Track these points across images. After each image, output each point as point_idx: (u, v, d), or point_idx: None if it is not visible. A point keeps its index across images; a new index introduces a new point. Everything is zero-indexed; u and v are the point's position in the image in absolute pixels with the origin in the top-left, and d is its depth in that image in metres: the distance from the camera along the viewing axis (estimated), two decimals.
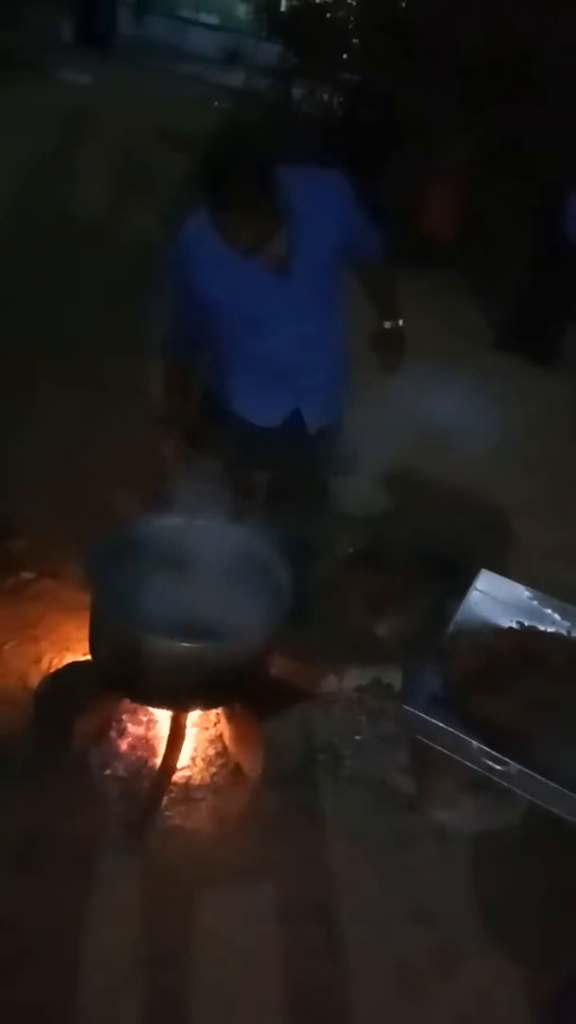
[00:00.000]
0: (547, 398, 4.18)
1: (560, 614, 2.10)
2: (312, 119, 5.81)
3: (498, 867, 1.80)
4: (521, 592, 2.13)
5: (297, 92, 6.23)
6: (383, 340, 2.03)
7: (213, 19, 11.74)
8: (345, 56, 5.82)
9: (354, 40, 5.86)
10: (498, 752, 1.67)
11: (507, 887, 1.79)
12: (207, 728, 2.02)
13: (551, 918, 1.73)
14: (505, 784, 1.68)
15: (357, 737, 2.06)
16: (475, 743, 1.68)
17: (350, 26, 5.77)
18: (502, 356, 4.57)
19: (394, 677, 2.18)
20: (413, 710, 1.78)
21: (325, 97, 5.94)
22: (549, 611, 2.11)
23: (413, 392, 3.78)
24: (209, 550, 1.79)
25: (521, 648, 2.02)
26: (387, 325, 2.03)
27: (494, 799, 1.83)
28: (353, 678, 2.18)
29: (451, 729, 1.72)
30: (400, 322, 2.04)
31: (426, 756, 1.88)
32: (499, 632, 2.08)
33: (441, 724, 1.72)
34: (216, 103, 7.15)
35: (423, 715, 1.75)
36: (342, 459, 2.37)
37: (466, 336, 4.76)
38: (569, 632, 2.07)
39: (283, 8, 6.51)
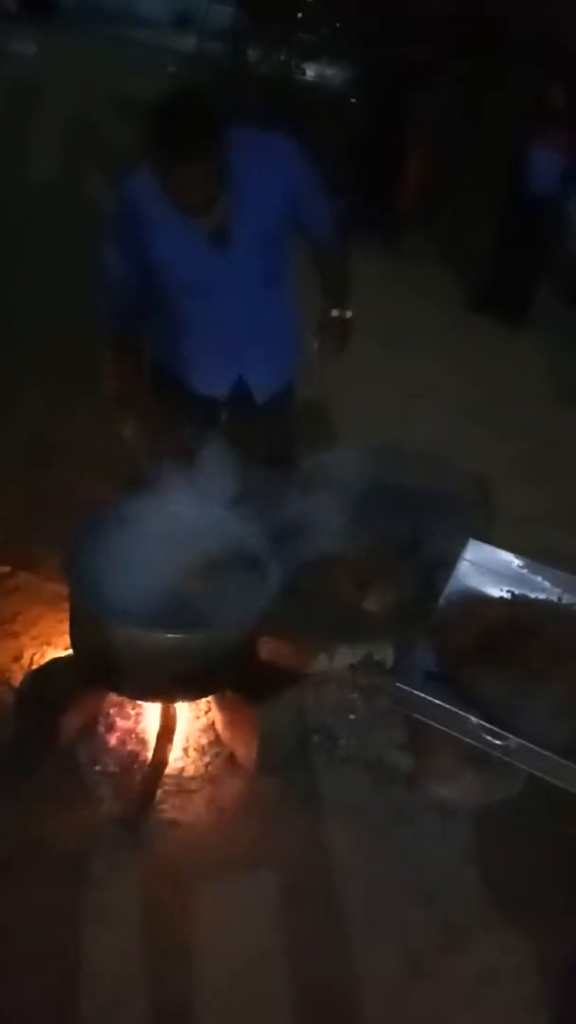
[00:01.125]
0: (518, 360, 4.15)
1: (551, 581, 2.07)
2: (269, 82, 5.64)
3: (501, 841, 1.78)
4: (510, 560, 2.10)
5: (252, 54, 6.04)
6: (327, 328, 1.99)
7: None
8: (300, 15, 5.64)
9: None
10: (495, 726, 1.64)
11: (511, 860, 1.77)
12: (198, 717, 1.97)
13: (557, 889, 1.72)
14: (504, 758, 1.66)
15: (351, 716, 2.03)
16: (473, 718, 1.66)
17: None
18: (474, 318, 4.52)
19: (386, 653, 2.14)
20: (407, 688, 1.74)
21: (281, 58, 5.77)
22: (539, 579, 2.08)
23: (387, 360, 3.75)
24: (188, 533, 1.72)
25: (513, 619, 1.99)
26: (334, 313, 1.98)
27: (494, 772, 1.80)
28: (344, 656, 2.14)
29: (447, 705, 1.69)
30: (348, 313, 1.99)
31: (423, 732, 1.85)
32: (490, 603, 2.05)
33: (436, 701, 1.69)
34: (170, 68, 6.93)
35: (417, 692, 1.71)
36: (304, 429, 2.31)
37: (437, 301, 4.70)
38: (560, 599, 2.05)
39: None
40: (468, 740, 1.69)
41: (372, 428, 3.16)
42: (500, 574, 2.09)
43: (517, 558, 2.10)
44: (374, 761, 1.93)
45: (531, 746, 1.60)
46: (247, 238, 1.74)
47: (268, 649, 1.97)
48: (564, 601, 2.04)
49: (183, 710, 1.91)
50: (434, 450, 3.11)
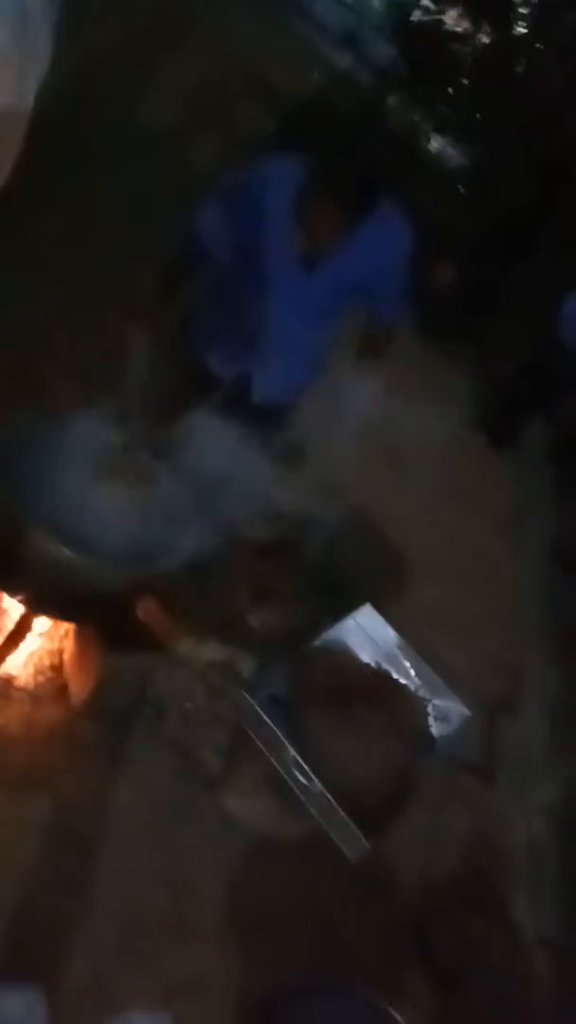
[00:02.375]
0: (484, 475, 4.33)
1: (416, 672, 2.18)
2: (395, 134, 5.82)
3: (263, 870, 1.86)
4: (392, 638, 2.21)
5: (391, 101, 6.23)
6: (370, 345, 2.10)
7: None
8: (451, 91, 5.87)
9: (463, 81, 5.92)
10: (308, 767, 1.73)
11: (264, 893, 1.84)
12: (52, 639, 1.99)
13: (287, 934, 1.80)
14: (301, 797, 1.74)
15: (188, 705, 2.08)
16: (292, 751, 1.73)
17: (465, 65, 5.82)
18: (465, 425, 4.71)
19: (246, 666, 2.20)
20: (251, 700, 1.82)
21: (415, 119, 5.97)
22: (408, 665, 2.19)
23: (378, 422, 3.88)
24: (134, 470, 1.77)
25: (370, 687, 2.09)
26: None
27: (285, 808, 1.88)
28: (209, 651, 2.19)
29: (276, 730, 1.76)
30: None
31: (241, 747, 1.92)
32: (357, 665, 2.14)
33: (270, 722, 1.77)
34: (315, 74, 7.06)
35: (258, 708, 1.79)
36: (283, 448, 2.40)
37: (444, 396, 4.88)
38: (416, 691, 2.16)
39: (413, 17, 6.50)
40: (279, 769, 1.76)
41: (334, 470, 3.26)
42: (378, 645, 2.19)
43: (399, 639, 2.21)
44: (188, 752, 1.98)
45: (328, 797, 1.68)
46: (327, 280, 1.84)
47: (145, 608, 2.01)
48: (419, 694, 2.15)
49: (41, 625, 1.93)
50: (382, 515, 3.23)
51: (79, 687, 1.89)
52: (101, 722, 1.90)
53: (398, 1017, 1.64)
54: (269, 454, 2.44)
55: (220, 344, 2.02)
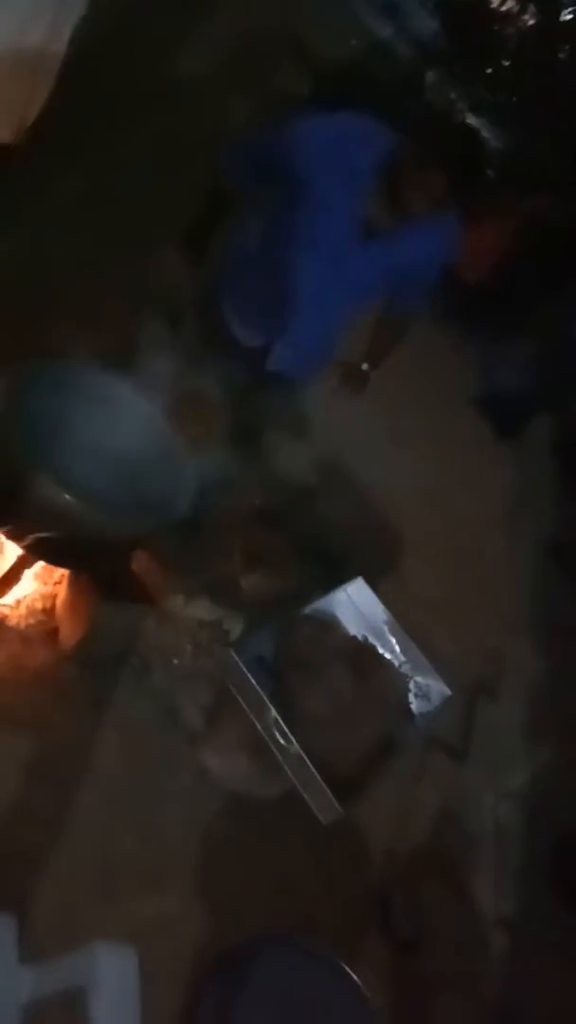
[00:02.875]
0: (488, 463, 4.34)
1: (401, 648, 2.21)
2: (431, 109, 5.73)
3: (236, 825, 1.90)
4: (380, 613, 2.23)
5: (430, 77, 6.12)
6: (348, 377, 2.10)
7: None
8: (490, 71, 5.77)
9: (504, 62, 5.83)
10: (288, 729, 1.76)
11: (235, 849, 1.89)
12: (46, 583, 2.01)
13: (253, 888, 1.85)
14: (280, 759, 1.77)
15: (176, 661, 2.11)
16: (274, 712, 1.76)
17: (508, 46, 5.72)
18: (471, 413, 4.71)
19: (235, 627, 2.23)
20: (237, 659, 1.84)
21: (452, 96, 5.87)
22: (393, 641, 2.21)
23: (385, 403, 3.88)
24: (138, 421, 1.78)
25: (355, 659, 2.12)
26: (363, 367, 2.11)
27: (263, 769, 1.91)
28: (199, 610, 2.22)
29: (260, 691, 1.79)
30: (370, 370, 2.11)
31: (225, 705, 1.95)
32: (344, 636, 2.17)
33: (254, 683, 1.80)
34: (353, 41, 6.93)
35: (243, 667, 1.81)
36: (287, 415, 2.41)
37: (452, 382, 4.86)
38: (399, 666, 2.19)
39: None
40: (260, 729, 1.79)
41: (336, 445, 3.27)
42: (366, 618, 2.22)
43: (386, 614, 2.23)
44: (172, 707, 2.02)
45: (306, 760, 1.71)
46: (379, 254, 1.76)
47: (140, 561, 2.03)
48: (401, 670, 2.18)
49: (36, 568, 1.95)
50: (380, 491, 3.24)
51: (69, 633, 1.92)
52: (88, 669, 1.92)
53: (353, 975, 1.69)
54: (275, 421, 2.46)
55: (247, 307, 1.95)
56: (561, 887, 2.49)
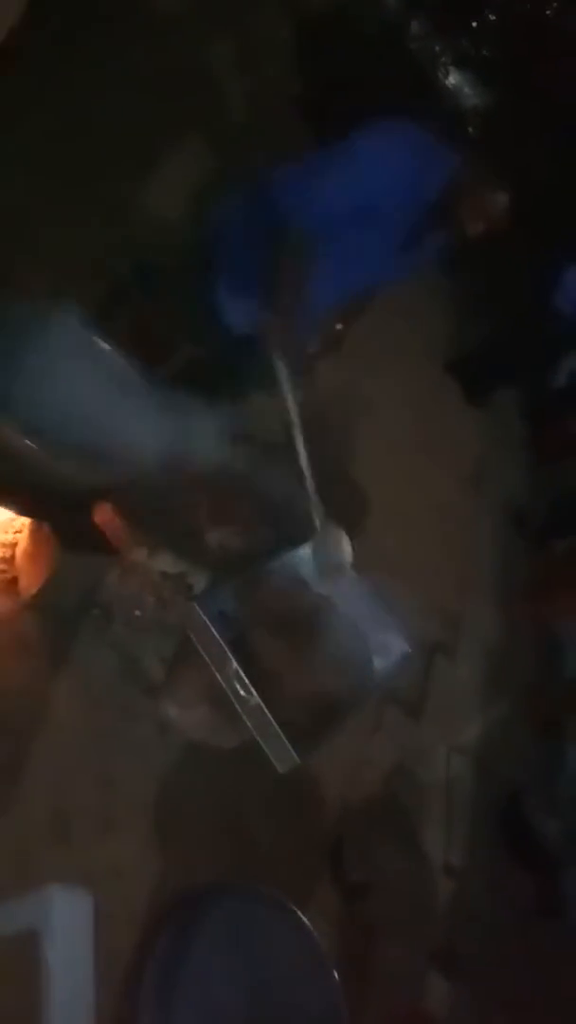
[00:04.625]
0: (459, 427, 4.36)
1: (363, 605, 2.22)
2: (413, 58, 5.58)
3: (193, 774, 1.93)
4: (343, 570, 2.24)
5: (414, 27, 5.96)
6: (323, 337, 2.10)
7: None
8: (475, 25, 5.63)
9: (491, 16, 5.69)
10: (249, 681, 1.77)
11: (191, 798, 1.91)
12: (7, 532, 1.98)
13: (208, 836, 1.88)
14: (240, 709, 1.79)
15: (137, 612, 2.10)
16: (235, 664, 1.78)
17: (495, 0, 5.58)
18: (444, 377, 4.71)
19: (199, 581, 2.23)
20: (199, 611, 1.84)
21: (436, 49, 5.73)
22: (356, 597, 2.22)
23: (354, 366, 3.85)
24: (106, 370, 1.74)
25: (316, 615, 2.14)
26: (338, 326, 2.10)
27: (222, 720, 1.93)
28: (163, 563, 2.21)
29: (222, 642, 1.80)
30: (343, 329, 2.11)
31: (185, 657, 1.96)
32: (306, 592, 2.18)
33: (216, 634, 1.80)
34: None
35: (206, 619, 1.82)
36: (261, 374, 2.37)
37: (426, 345, 4.84)
38: (360, 622, 2.21)
39: None
40: (220, 680, 1.80)
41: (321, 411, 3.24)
42: (328, 575, 2.23)
43: (349, 571, 2.24)
44: (132, 658, 2.02)
45: (265, 710, 1.73)
46: (333, 174, 1.73)
47: (103, 514, 2.01)
48: (362, 627, 2.21)
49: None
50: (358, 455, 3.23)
51: (29, 582, 1.90)
52: (48, 618, 1.91)
53: (303, 918, 1.74)
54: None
55: (243, 288, 1.90)
56: (508, 837, 2.59)
